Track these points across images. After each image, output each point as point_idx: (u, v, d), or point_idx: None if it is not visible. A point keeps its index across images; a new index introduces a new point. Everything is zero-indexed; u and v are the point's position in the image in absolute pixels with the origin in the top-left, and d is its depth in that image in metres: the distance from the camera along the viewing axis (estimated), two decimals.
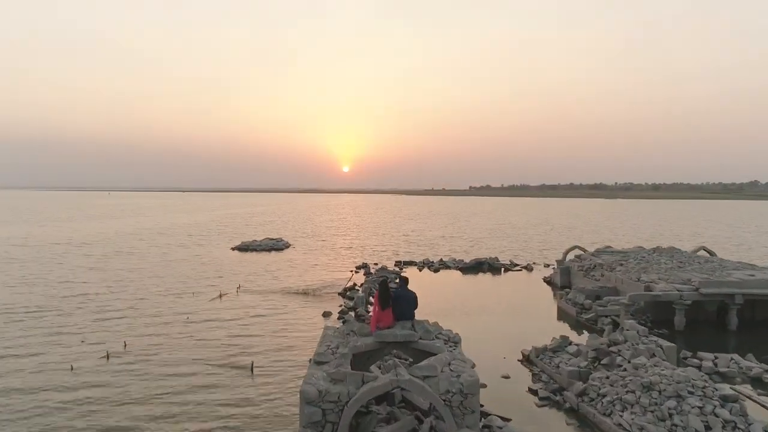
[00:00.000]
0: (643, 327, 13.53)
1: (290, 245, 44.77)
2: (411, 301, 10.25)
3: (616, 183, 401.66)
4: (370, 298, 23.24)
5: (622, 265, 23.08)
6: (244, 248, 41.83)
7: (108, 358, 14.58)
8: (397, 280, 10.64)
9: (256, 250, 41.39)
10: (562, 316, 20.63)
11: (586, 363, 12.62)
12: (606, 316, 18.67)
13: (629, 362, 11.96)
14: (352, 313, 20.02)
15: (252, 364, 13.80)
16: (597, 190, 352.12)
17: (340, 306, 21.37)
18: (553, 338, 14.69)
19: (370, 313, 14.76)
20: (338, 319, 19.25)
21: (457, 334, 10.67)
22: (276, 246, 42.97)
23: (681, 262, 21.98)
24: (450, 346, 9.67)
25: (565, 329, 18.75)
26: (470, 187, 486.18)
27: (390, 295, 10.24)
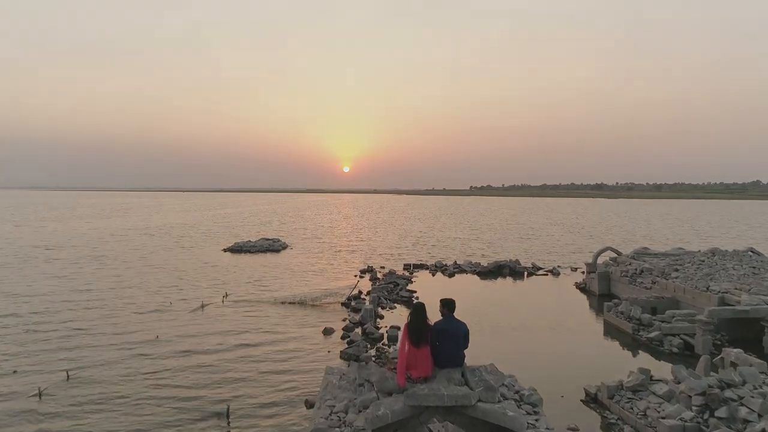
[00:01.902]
0: (760, 361, 9.96)
1: (288, 246, 41.19)
2: (460, 337, 6.67)
3: (617, 183, 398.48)
4: (379, 309, 19.66)
5: (677, 270, 19.48)
6: (237, 249, 38.25)
7: (40, 397, 11.04)
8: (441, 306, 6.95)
9: (250, 251, 37.81)
10: (611, 332, 17.02)
11: (692, 414, 9.03)
12: (674, 335, 15.08)
13: (762, 417, 8.39)
14: (359, 330, 16.45)
15: (228, 410, 10.22)
16: (598, 190, 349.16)
17: (344, 320, 17.82)
18: (631, 372, 11.07)
19: (391, 349, 10.94)
20: (342, 338, 15.68)
21: (533, 390, 7.04)
22: (272, 247, 39.37)
23: (754, 267, 18.36)
24: (526, 412, 6.06)
25: (620, 350, 15.19)
26: (471, 187, 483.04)
27: (428, 326, 6.66)
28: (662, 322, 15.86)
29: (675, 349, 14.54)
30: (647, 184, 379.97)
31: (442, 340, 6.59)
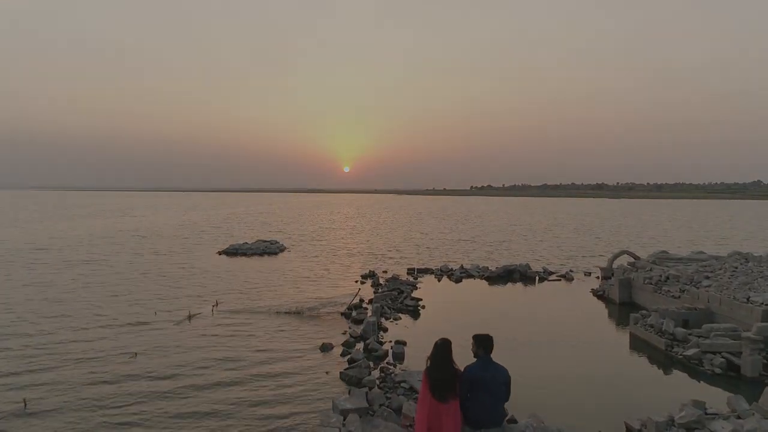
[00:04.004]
0: None
1: (286, 248, 39.52)
2: (500, 388, 5.02)
3: (617, 183, 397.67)
4: (382, 319, 18.00)
5: (708, 278, 17.84)
6: (232, 252, 36.61)
7: None
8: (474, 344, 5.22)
9: (246, 254, 36.16)
10: (640, 347, 15.34)
11: None
12: (714, 353, 13.43)
13: None
14: (360, 346, 14.78)
15: None
16: (599, 190, 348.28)
17: (344, 333, 16.18)
18: (683, 405, 9.42)
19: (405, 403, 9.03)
20: (342, 355, 14.03)
21: None
22: (269, 250, 37.70)
23: None
24: None
25: (654, 370, 13.51)
26: (471, 187, 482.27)
27: (457, 373, 5.02)
28: (699, 337, 14.22)
29: (718, 370, 12.88)
30: (648, 183, 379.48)
31: (475, 391, 4.94)
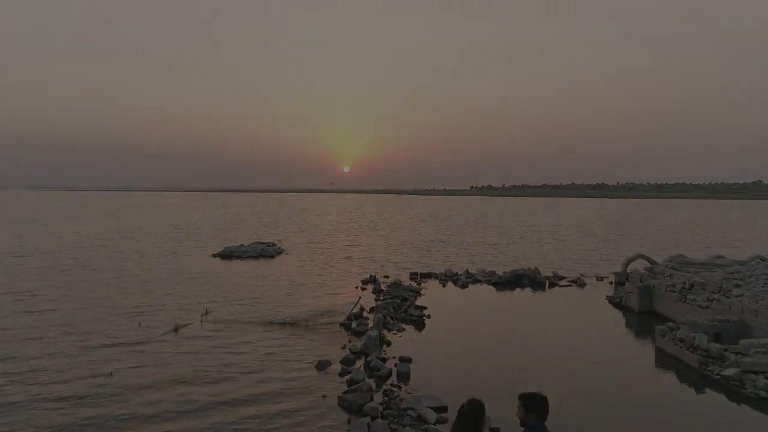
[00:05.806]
0: None
1: (284, 251, 38.08)
2: None
3: (617, 183, 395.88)
4: (384, 331, 16.55)
5: (739, 286, 16.43)
6: (227, 255, 35.19)
7: None
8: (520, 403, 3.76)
9: (241, 257, 34.74)
10: (669, 364, 13.93)
11: None
12: (757, 373, 12.03)
13: None
14: (361, 364, 13.38)
15: None
16: (600, 190, 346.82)
17: (344, 347, 14.81)
18: None
19: None
20: (341, 374, 12.66)
21: None
22: (266, 252, 36.29)
23: None
24: None
25: (690, 393, 12.18)
26: (471, 187, 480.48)
27: None
28: (737, 354, 12.82)
29: (763, 393, 11.45)
30: (648, 183, 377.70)
31: None
